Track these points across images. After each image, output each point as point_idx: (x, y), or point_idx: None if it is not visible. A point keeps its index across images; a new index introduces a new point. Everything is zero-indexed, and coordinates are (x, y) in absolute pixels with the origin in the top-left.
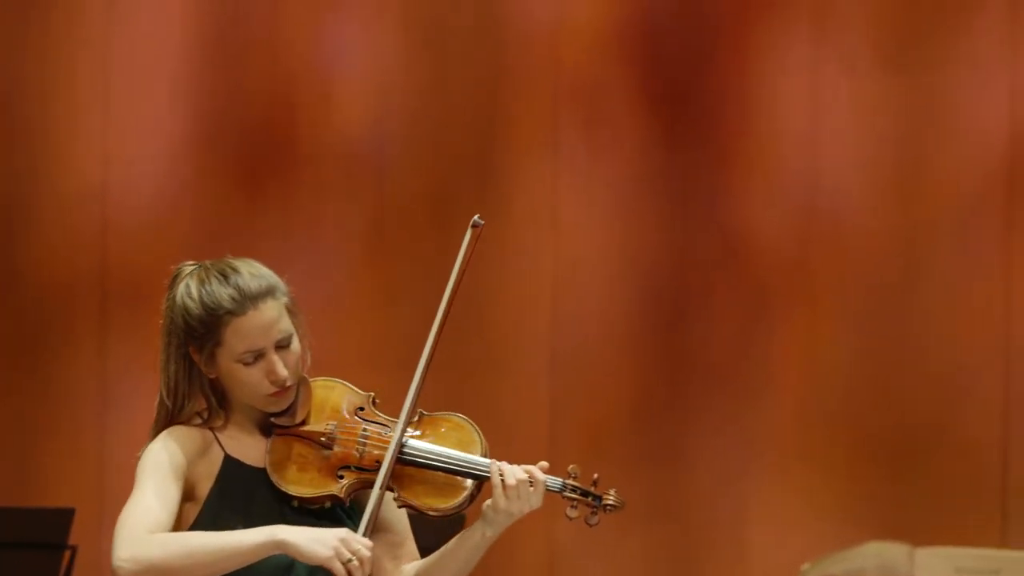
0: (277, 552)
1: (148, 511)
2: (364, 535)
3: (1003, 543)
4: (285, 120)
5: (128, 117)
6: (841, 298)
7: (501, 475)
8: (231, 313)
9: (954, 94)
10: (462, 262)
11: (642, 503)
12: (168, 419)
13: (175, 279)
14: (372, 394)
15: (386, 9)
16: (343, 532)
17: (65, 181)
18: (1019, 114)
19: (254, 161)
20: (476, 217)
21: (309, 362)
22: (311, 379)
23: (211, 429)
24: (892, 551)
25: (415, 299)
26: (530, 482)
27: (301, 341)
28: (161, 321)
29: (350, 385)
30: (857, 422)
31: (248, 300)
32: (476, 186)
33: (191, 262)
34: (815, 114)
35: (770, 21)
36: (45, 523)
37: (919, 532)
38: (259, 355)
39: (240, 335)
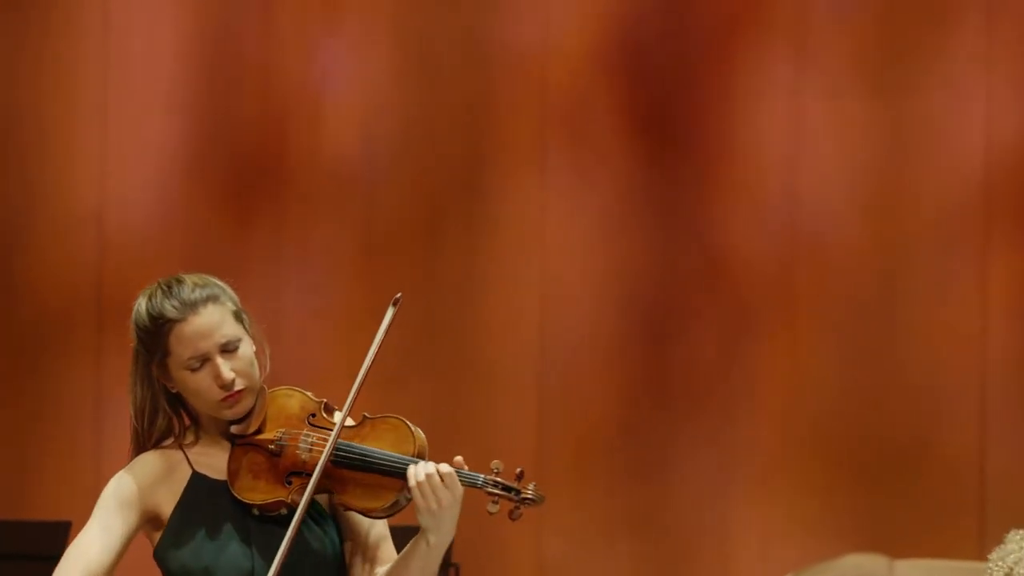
0: None
1: (87, 551)
2: (288, 544)
3: (980, 555)
4: (277, 142)
5: (124, 140)
6: (822, 315)
7: (415, 477)
8: (173, 321)
9: (932, 115)
10: (382, 336)
11: (628, 515)
12: (139, 440)
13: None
14: (324, 400)
15: (376, 32)
16: None
17: (63, 203)
18: (995, 135)
19: (247, 182)
20: (398, 295)
21: (268, 370)
22: (272, 389)
23: (181, 447)
24: (871, 563)
25: (404, 316)
26: (440, 476)
27: (257, 347)
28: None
29: (307, 393)
30: (838, 436)
31: (187, 307)
32: (465, 204)
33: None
34: (796, 135)
35: (752, 44)
36: (42, 535)
37: (899, 544)
38: (204, 360)
39: (183, 341)
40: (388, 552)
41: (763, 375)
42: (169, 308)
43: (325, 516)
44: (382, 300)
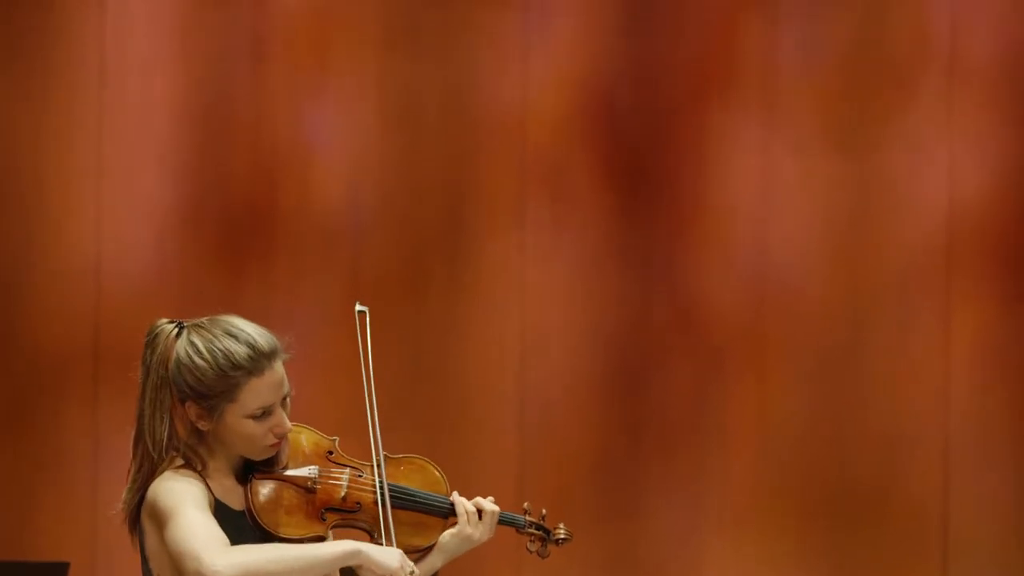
0: (355, 563)
1: (213, 527)
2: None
3: None
4: (267, 196)
5: (119, 194)
6: (790, 363)
7: (478, 507)
8: (250, 373)
9: (896, 172)
10: (366, 354)
11: (604, 556)
12: (152, 471)
13: (156, 337)
14: (336, 438)
15: (363, 91)
16: (399, 551)
17: (60, 255)
18: (957, 191)
19: (238, 234)
20: (358, 308)
21: None
22: None
23: (199, 474)
24: None
25: (389, 365)
26: (482, 513)
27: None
28: (144, 378)
29: (314, 429)
30: (806, 480)
31: (264, 358)
32: (447, 257)
33: (166, 320)
34: (766, 191)
35: (723, 105)
36: (41, 575)
37: None
38: (268, 411)
39: (255, 393)
40: None
41: (734, 419)
42: (245, 359)
43: None
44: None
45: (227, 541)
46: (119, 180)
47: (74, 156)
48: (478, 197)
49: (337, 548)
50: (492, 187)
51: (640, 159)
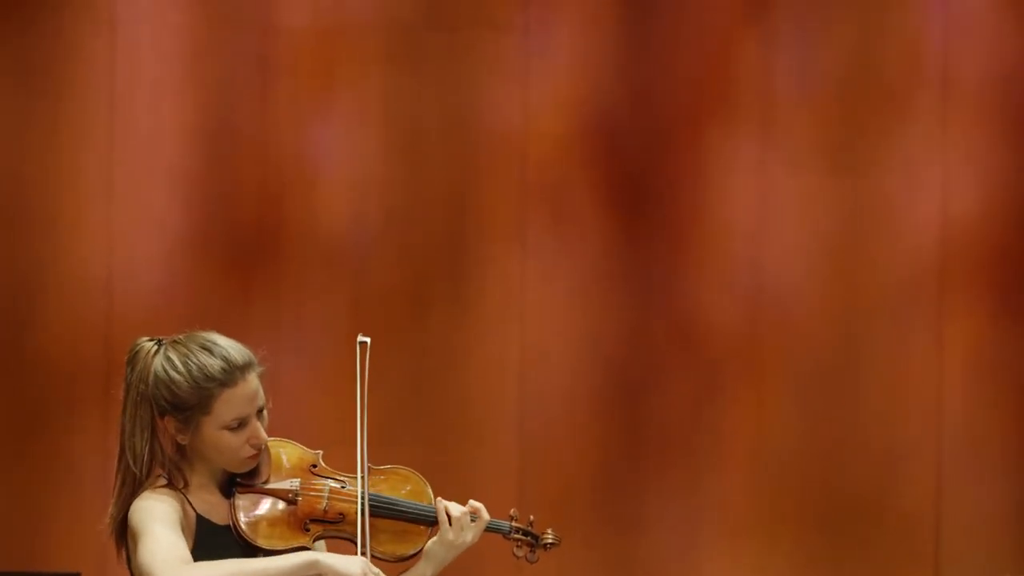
0: (314, 572)
1: (176, 546)
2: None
3: None
4: (274, 215)
5: (130, 214)
6: (786, 378)
7: (447, 511)
8: (223, 384)
9: (890, 192)
10: (362, 382)
11: (603, 567)
12: (135, 486)
13: (137, 355)
14: (320, 452)
15: (367, 114)
16: (363, 559)
17: (72, 273)
18: (950, 211)
19: (245, 252)
20: (361, 339)
21: None
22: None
23: (180, 490)
24: None
25: (392, 381)
26: (472, 516)
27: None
28: (125, 395)
29: (298, 444)
30: (801, 493)
31: (237, 371)
32: (449, 276)
33: (146, 338)
34: (762, 209)
35: (721, 125)
36: None
37: None
38: (244, 422)
39: (230, 405)
40: None
41: (730, 433)
42: (218, 371)
43: None
44: (370, 364)
45: (188, 559)
46: (129, 200)
47: (85, 176)
48: (479, 216)
49: (294, 560)
50: (493, 206)
51: (639, 178)
